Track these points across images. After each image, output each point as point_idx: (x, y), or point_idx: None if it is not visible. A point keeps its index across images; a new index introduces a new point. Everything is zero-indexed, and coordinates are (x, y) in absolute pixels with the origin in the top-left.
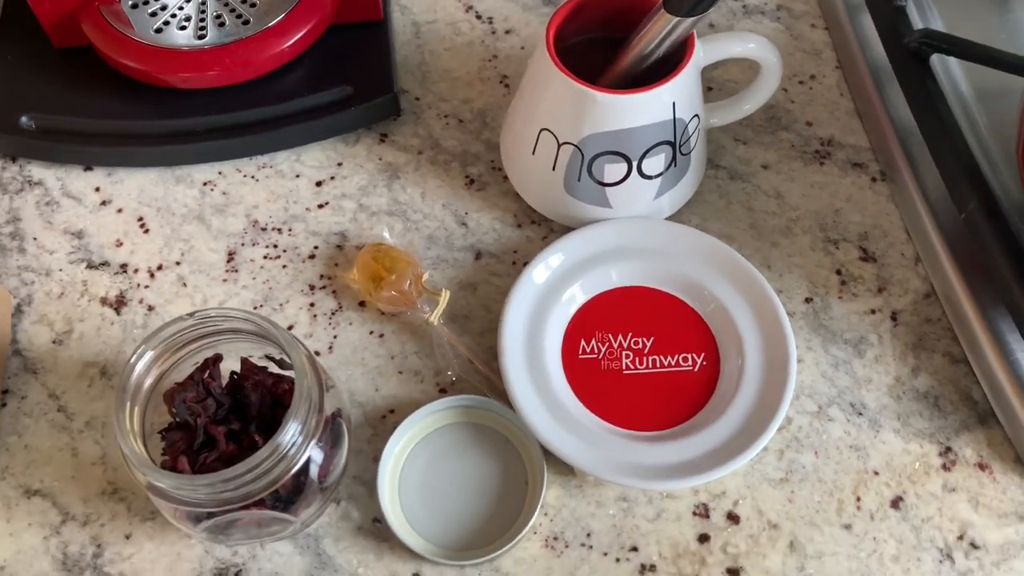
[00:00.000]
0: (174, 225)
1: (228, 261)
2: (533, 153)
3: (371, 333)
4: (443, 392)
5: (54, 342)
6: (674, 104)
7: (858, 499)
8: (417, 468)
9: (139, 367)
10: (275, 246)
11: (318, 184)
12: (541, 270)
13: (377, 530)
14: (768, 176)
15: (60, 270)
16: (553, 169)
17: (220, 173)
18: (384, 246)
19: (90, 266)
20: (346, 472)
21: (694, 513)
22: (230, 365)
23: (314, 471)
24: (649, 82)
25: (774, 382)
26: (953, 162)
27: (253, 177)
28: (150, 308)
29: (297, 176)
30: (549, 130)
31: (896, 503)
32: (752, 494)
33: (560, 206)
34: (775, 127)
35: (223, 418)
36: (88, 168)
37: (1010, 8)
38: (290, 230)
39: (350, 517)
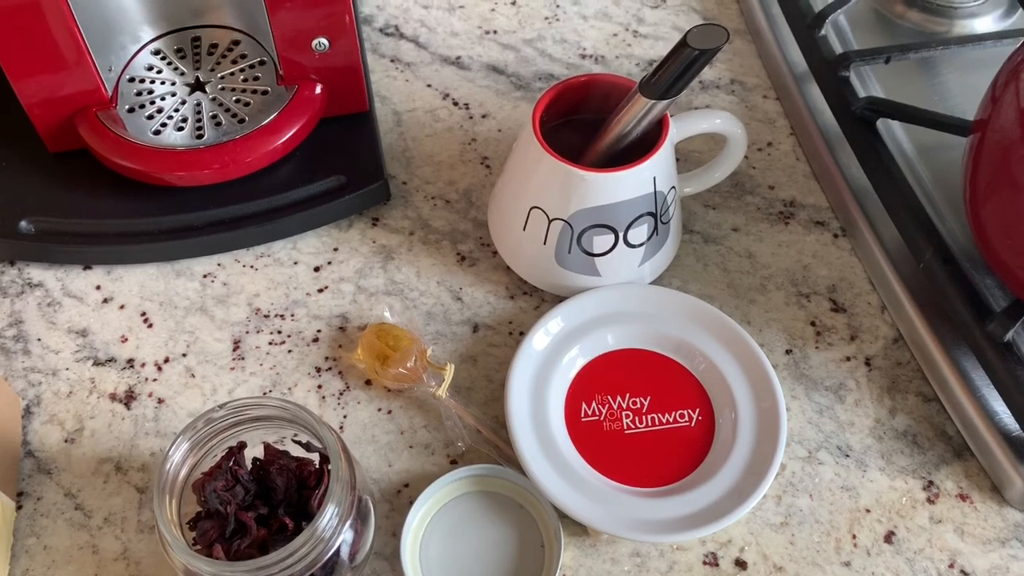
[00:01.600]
0: (177, 318)
1: (234, 350)
2: (524, 229)
3: (379, 410)
4: (454, 463)
5: (66, 441)
6: (654, 178)
7: (854, 537)
8: (436, 539)
9: (176, 457)
10: (279, 332)
11: (316, 269)
12: (541, 336)
13: None
14: (739, 238)
15: (67, 369)
16: (544, 243)
17: (219, 265)
18: (387, 325)
19: (96, 363)
20: (372, 549)
21: (704, 562)
22: (250, 451)
23: (345, 551)
24: (628, 159)
25: (767, 430)
26: (907, 216)
27: (252, 267)
28: (160, 401)
29: (295, 263)
30: (539, 208)
31: (889, 538)
32: (756, 539)
33: (552, 277)
34: (740, 192)
35: (250, 504)
36: (87, 267)
37: (938, 73)
38: (292, 315)
39: None
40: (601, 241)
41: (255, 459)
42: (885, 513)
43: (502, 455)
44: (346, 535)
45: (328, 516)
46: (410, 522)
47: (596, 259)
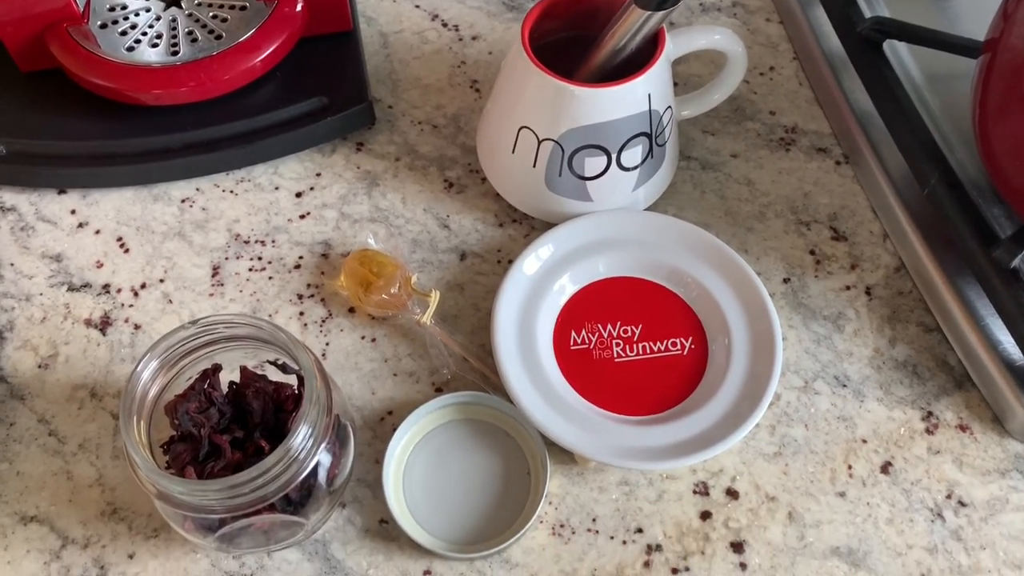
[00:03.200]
0: (155, 243)
1: (213, 276)
2: (513, 152)
3: (363, 338)
4: (439, 391)
5: (40, 367)
6: (649, 96)
7: (849, 467)
8: (420, 467)
9: (145, 376)
10: (260, 258)
11: (298, 195)
12: (531, 262)
13: (384, 531)
14: (738, 165)
15: (40, 294)
16: (534, 166)
17: (198, 189)
18: (370, 251)
19: (71, 288)
20: (352, 475)
21: (694, 491)
22: (227, 375)
23: (322, 474)
24: (622, 77)
25: (761, 360)
26: (913, 141)
27: (232, 191)
28: (136, 327)
29: (276, 188)
30: (528, 128)
31: (885, 468)
32: (748, 469)
33: (541, 202)
34: (740, 118)
35: (226, 427)
36: (62, 191)
37: None
38: (273, 242)
39: (356, 520)
40: (593, 163)
41: (231, 383)
42: (882, 444)
43: (488, 383)
44: (322, 458)
45: (301, 436)
46: (393, 449)
47: (588, 183)
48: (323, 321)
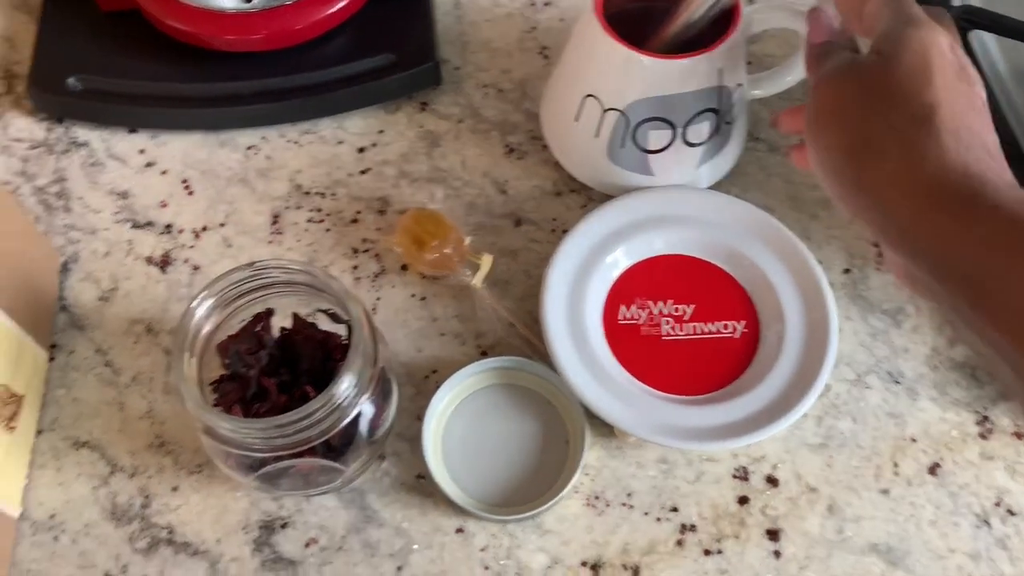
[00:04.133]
0: (218, 188)
1: (273, 223)
2: (576, 120)
3: (413, 296)
4: (484, 354)
5: (100, 299)
6: (720, 71)
7: (896, 465)
8: (460, 427)
9: (199, 312)
10: (319, 210)
11: (360, 151)
12: (587, 232)
13: (421, 486)
14: None
15: (106, 229)
16: (596, 136)
17: (263, 138)
18: (427, 211)
19: (135, 226)
20: (392, 428)
21: (734, 476)
22: (279, 322)
23: (364, 424)
24: (694, 50)
25: (814, 349)
26: None
27: (296, 142)
28: (195, 268)
29: (339, 142)
30: (594, 96)
31: (933, 470)
32: (791, 458)
33: (601, 173)
34: None
35: (274, 371)
36: (133, 130)
37: None
38: (333, 194)
39: (393, 473)
40: (657, 136)
41: (282, 328)
42: (932, 444)
43: (534, 350)
44: (365, 408)
45: (346, 383)
46: (434, 407)
47: (650, 156)
48: (376, 276)
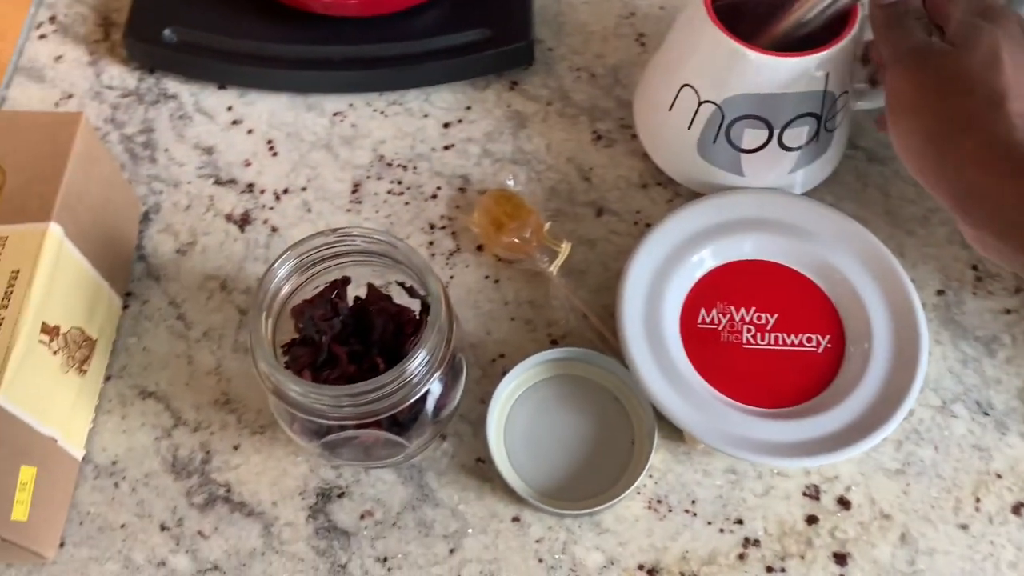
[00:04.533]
0: (302, 151)
1: (353, 192)
2: (670, 109)
3: (486, 277)
4: (554, 343)
5: (178, 252)
6: (827, 75)
7: (977, 500)
8: (524, 414)
9: (280, 273)
10: (399, 182)
11: (445, 126)
12: (674, 228)
13: (480, 470)
14: None
15: (188, 183)
16: (689, 128)
17: (350, 105)
18: (507, 193)
19: (218, 182)
20: (458, 409)
21: (804, 493)
22: (352, 290)
23: (431, 403)
24: (803, 51)
25: (901, 371)
26: None
27: (382, 112)
28: (274, 229)
29: (425, 116)
30: (691, 86)
31: (1018, 509)
32: (866, 481)
33: (690, 168)
34: None
35: (345, 340)
36: (222, 87)
37: None
38: (415, 168)
39: (454, 454)
40: (752, 136)
41: (356, 297)
42: (1019, 482)
43: (606, 344)
44: (434, 387)
45: (419, 360)
46: (500, 392)
47: (743, 155)
48: (450, 254)
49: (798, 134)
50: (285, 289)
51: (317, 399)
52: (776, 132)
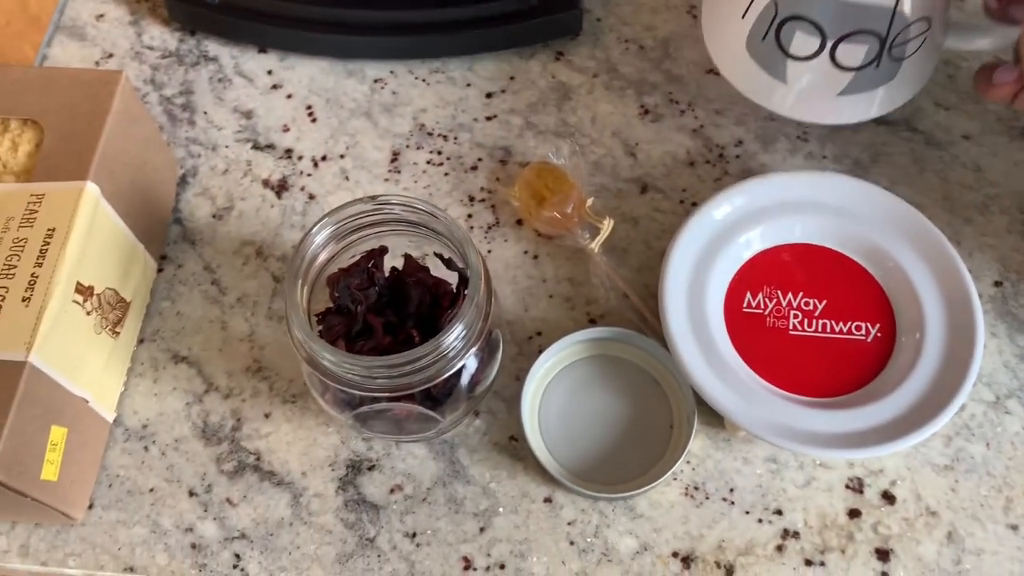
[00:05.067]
0: (342, 118)
1: (392, 161)
2: None
3: (525, 253)
4: (593, 322)
5: (214, 216)
6: None
7: None
8: (559, 394)
9: (317, 240)
10: (439, 152)
11: (488, 96)
12: (721, 208)
13: (513, 448)
14: (968, 147)
15: (226, 147)
16: (742, 17)
17: (392, 72)
18: (549, 166)
19: (256, 147)
20: (492, 386)
21: (847, 486)
22: (390, 261)
23: (466, 378)
24: None
25: (954, 364)
26: None
27: (424, 80)
28: (311, 196)
29: (468, 85)
30: None
31: None
32: (912, 476)
33: (736, 61)
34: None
35: (381, 310)
36: (262, 50)
37: None
38: (455, 138)
39: (487, 431)
40: (803, 41)
41: (393, 268)
42: None
43: (647, 325)
44: (469, 362)
45: (456, 334)
46: (536, 370)
47: (789, 61)
48: (489, 228)
49: (855, 53)
50: (322, 257)
51: (351, 369)
52: (830, 43)
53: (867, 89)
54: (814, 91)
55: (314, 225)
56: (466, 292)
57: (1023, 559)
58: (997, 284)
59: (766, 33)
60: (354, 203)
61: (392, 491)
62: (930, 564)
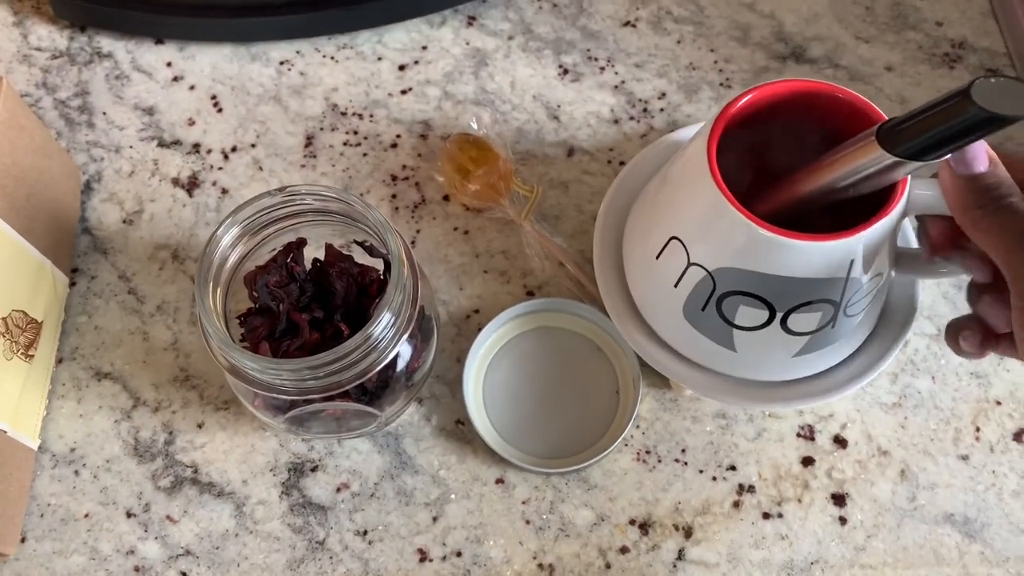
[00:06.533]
0: (249, 105)
1: (306, 146)
2: (656, 258)
3: (455, 229)
4: (531, 294)
5: (124, 222)
6: (852, 263)
7: (977, 429)
8: (503, 371)
9: (225, 241)
10: (355, 132)
11: (401, 68)
12: (649, 164)
13: (460, 432)
14: (891, 79)
15: (130, 147)
16: (675, 287)
17: (298, 52)
18: (471, 137)
19: (161, 144)
20: (431, 371)
21: (798, 435)
22: (311, 252)
23: (401, 366)
24: (825, 221)
25: (897, 301)
26: None
27: (332, 58)
28: (224, 191)
29: (379, 59)
30: (680, 240)
31: (1019, 436)
32: (862, 418)
33: (675, 328)
34: (901, 26)
35: (306, 306)
36: (159, 41)
37: None
38: (371, 116)
39: (431, 418)
40: (748, 314)
41: (315, 260)
42: (1019, 408)
43: (585, 292)
44: (403, 349)
45: (384, 323)
46: (476, 349)
47: (735, 331)
48: (415, 207)
49: (807, 320)
50: (233, 257)
51: (276, 375)
52: (779, 316)
53: (822, 347)
54: (765, 357)
55: (219, 226)
56: (390, 278)
57: (975, 488)
58: None
59: (705, 304)
60: (261, 197)
61: (338, 490)
62: (885, 504)
